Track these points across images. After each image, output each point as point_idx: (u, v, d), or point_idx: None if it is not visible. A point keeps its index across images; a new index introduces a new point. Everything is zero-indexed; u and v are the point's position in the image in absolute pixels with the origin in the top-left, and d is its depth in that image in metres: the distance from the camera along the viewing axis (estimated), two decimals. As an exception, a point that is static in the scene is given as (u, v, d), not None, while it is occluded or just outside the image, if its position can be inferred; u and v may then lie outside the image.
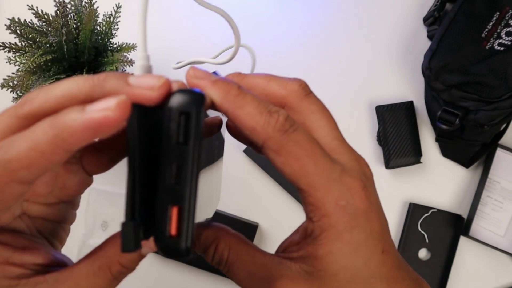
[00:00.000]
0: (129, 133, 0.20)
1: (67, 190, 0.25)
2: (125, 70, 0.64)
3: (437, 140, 0.67)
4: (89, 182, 0.26)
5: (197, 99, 0.21)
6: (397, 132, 0.67)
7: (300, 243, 0.25)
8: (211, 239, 0.25)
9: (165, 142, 0.21)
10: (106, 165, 0.25)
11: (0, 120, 0.21)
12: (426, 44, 0.71)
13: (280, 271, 0.23)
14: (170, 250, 0.21)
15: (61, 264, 0.25)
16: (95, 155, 0.25)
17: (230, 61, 0.41)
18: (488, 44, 0.61)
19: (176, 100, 0.21)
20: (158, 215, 0.21)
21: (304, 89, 0.26)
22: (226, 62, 0.40)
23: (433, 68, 0.62)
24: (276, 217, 0.69)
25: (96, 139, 0.22)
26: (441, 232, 0.67)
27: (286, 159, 0.23)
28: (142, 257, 0.24)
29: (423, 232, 0.67)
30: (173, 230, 0.21)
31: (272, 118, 0.22)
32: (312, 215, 0.23)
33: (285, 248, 0.26)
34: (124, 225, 0.20)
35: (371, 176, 0.25)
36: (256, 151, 0.27)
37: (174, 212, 0.21)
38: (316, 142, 0.24)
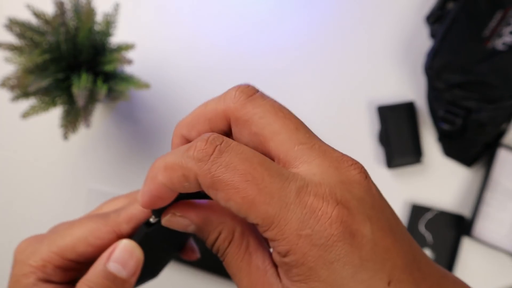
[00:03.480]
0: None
1: None
2: (123, 70, 0.64)
3: (438, 140, 0.67)
4: None
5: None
6: (398, 132, 0.67)
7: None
8: (215, 224, 0.21)
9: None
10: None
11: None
12: (427, 43, 0.70)
13: None
14: None
15: None
16: None
17: None
18: (491, 43, 0.60)
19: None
20: None
21: (244, 92, 0.21)
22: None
23: (435, 68, 0.62)
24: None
25: None
26: (444, 232, 0.67)
27: (225, 192, 0.18)
28: None
29: (425, 233, 0.67)
30: None
31: (190, 150, 0.19)
32: (276, 250, 0.18)
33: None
34: None
35: (362, 180, 0.19)
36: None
37: None
38: (258, 158, 0.19)
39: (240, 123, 0.21)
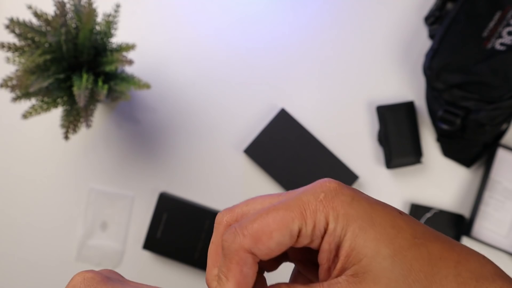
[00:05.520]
0: None
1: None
2: (124, 70, 0.64)
3: (438, 140, 0.67)
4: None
5: None
6: (397, 132, 0.67)
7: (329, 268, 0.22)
8: None
9: None
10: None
11: None
12: (426, 43, 0.71)
13: None
14: None
15: None
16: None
17: None
18: (490, 43, 0.60)
19: None
20: None
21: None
22: None
23: (434, 68, 0.62)
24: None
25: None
26: (443, 232, 0.67)
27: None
28: None
29: (424, 233, 0.67)
30: None
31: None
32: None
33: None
34: None
35: (332, 190, 0.22)
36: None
37: None
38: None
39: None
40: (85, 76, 0.55)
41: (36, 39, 0.54)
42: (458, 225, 0.67)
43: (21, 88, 0.53)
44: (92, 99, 0.56)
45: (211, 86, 0.72)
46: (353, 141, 0.70)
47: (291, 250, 0.25)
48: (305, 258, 0.25)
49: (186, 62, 0.73)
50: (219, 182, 0.70)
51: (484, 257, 0.22)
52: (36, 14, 0.54)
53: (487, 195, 0.66)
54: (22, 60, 0.54)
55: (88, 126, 0.56)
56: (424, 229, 0.22)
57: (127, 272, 0.70)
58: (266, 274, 0.71)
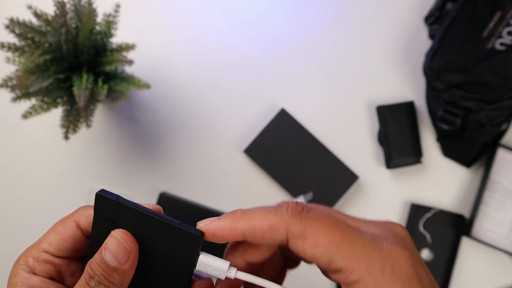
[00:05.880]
0: None
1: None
2: (124, 70, 0.64)
3: (438, 140, 0.67)
4: None
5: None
6: (397, 132, 0.67)
7: None
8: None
9: None
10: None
11: None
12: (426, 43, 0.71)
13: None
14: None
15: None
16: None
17: None
18: (489, 43, 0.60)
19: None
20: None
21: (294, 211, 0.24)
22: None
23: (434, 68, 0.62)
24: (277, 218, 0.69)
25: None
26: (443, 232, 0.67)
27: (314, 239, 0.22)
28: None
29: (425, 233, 0.67)
30: None
31: (282, 208, 0.23)
32: None
33: None
34: None
35: (407, 235, 0.24)
36: (291, 265, 0.28)
37: None
38: (338, 214, 0.24)
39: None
40: (85, 76, 0.55)
41: (36, 39, 0.54)
42: (458, 225, 0.67)
43: (21, 88, 0.53)
44: (92, 99, 0.56)
45: (211, 86, 0.72)
46: (353, 141, 0.70)
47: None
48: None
49: (186, 62, 0.73)
50: (219, 182, 0.70)
51: None
52: (36, 14, 0.54)
53: (487, 195, 0.65)
54: (22, 60, 0.54)
55: (88, 126, 0.56)
56: None
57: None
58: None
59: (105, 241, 0.25)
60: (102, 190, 0.26)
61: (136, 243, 0.26)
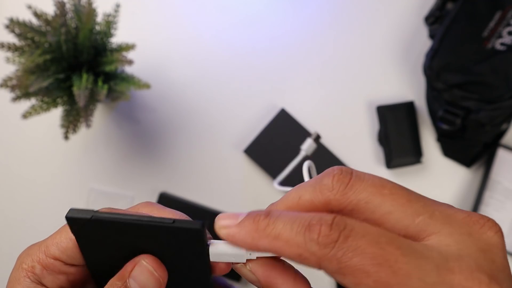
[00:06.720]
0: None
1: None
2: (124, 70, 0.64)
3: (438, 140, 0.67)
4: None
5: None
6: (398, 132, 0.67)
7: None
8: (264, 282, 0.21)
9: None
10: None
11: None
12: (426, 43, 0.71)
13: None
14: None
15: None
16: None
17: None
18: (490, 43, 0.60)
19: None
20: None
21: (340, 181, 0.19)
22: None
23: (434, 68, 0.62)
24: (277, 218, 0.69)
25: None
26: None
27: (355, 277, 0.17)
28: None
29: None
30: None
31: (313, 233, 0.18)
32: None
33: None
34: None
35: (500, 245, 0.18)
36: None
37: None
38: (386, 236, 0.17)
39: (346, 214, 0.19)
40: (85, 76, 0.55)
41: (36, 39, 0.54)
42: (458, 225, 0.67)
43: (21, 88, 0.53)
44: (92, 99, 0.56)
45: (211, 86, 0.72)
46: (353, 141, 0.70)
47: None
48: None
49: (186, 62, 0.73)
50: (219, 182, 0.70)
51: None
52: (36, 14, 0.54)
53: (487, 195, 0.65)
54: (22, 60, 0.54)
55: (88, 126, 0.56)
56: None
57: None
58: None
59: (129, 268, 0.22)
60: (71, 211, 0.22)
61: (166, 271, 0.23)
